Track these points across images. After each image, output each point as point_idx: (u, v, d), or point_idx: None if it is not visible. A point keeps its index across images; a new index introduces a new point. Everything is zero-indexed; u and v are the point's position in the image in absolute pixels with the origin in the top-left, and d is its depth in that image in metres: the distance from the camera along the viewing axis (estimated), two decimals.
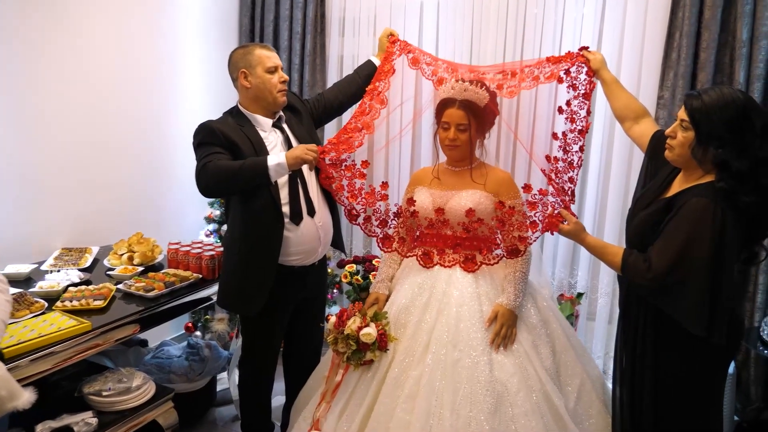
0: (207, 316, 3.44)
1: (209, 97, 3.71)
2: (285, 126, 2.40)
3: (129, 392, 2.36)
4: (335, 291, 3.74)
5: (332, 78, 3.76)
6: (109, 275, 2.65)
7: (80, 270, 2.64)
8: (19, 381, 1.59)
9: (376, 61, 2.56)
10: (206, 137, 2.24)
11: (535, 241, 2.12)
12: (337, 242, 2.55)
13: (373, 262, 3.58)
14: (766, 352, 2.62)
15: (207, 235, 3.60)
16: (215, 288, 2.61)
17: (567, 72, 2.18)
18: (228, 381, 3.10)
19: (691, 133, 1.74)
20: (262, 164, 2.11)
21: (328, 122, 2.72)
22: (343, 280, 3.58)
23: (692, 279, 1.67)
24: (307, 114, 2.51)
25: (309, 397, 2.37)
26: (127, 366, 2.59)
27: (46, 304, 2.24)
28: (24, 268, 2.56)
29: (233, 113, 2.37)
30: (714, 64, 2.87)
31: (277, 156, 2.12)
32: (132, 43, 3.22)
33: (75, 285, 2.47)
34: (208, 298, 2.69)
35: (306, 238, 2.33)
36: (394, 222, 2.26)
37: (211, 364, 2.95)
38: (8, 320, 1.69)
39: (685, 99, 1.77)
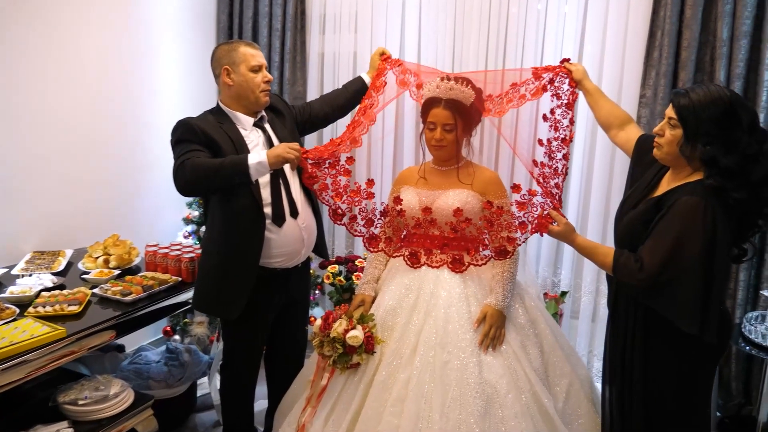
0: (186, 320, 3.36)
1: (187, 95, 3.65)
2: (267, 126, 2.35)
3: (106, 400, 2.28)
4: (317, 292, 3.69)
5: (313, 76, 3.72)
6: (84, 279, 2.58)
7: (53, 274, 2.56)
8: None
9: (366, 78, 2.53)
10: (185, 134, 2.18)
11: (524, 242, 2.10)
12: (320, 248, 2.50)
13: (356, 262, 3.55)
14: (747, 348, 2.64)
15: (185, 237, 3.53)
16: None
17: (551, 81, 2.20)
18: (209, 386, 3.03)
19: (679, 130, 1.74)
20: (243, 162, 2.05)
21: (311, 133, 2.68)
22: (326, 281, 3.53)
23: (684, 278, 1.67)
24: (291, 118, 2.47)
25: (293, 401, 2.32)
26: (104, 372, 2.52)
27: (18, 311, 2.17)
28: None
29: (213, 111, 2.32)
30: (695, 63, 2.89)
31: (258, 154, 2.07)
32: (106, 39, 3.14)
33: (48, 290, 2.40)
34: (189, 302, 2.63)
35: (288, 240, 2.29)
36: (380, 221, 2.22)
37: (192, 369, 2.88)
38: None
39: (673, 97, 1.77)
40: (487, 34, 3.30)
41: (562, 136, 2.16)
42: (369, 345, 2.06)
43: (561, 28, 3.18)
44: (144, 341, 3.45)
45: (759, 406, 2.74)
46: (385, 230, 2.26)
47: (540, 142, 2.21)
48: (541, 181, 2.13)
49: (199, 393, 3.13)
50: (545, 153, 2.17)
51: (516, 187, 2.10)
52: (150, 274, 2.62)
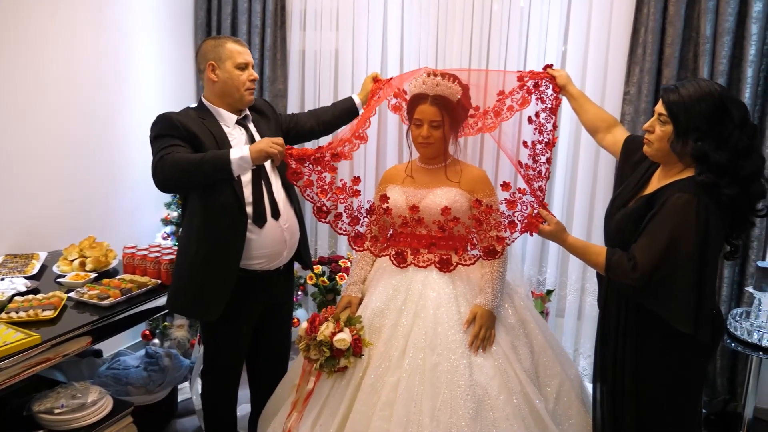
0: (166, 323, 3.28)
1: (164, 92, 3.59)
2: (251, 125, 2.31)
3: (84, 409, 2.21)
4: (300, 293, 3.63)
5: (293, 73, 3.66)
6: (59, 283, 2.50)
7: (27, 278, 2.48)
8: None
9: (357, 99, 2.51)
10: (165, 129, 2.12)
11: (513, 242, 2.07)
12: (303, 255, 2.45)
13: (339, 262, 3.50)
14: (733, 345, 2.64)
15: (164, 238, 3.45)
16: None
17: (536, 86, 2.19)
18: (190, 390, 2.96)
19: (669, 126, 1.72)
20: (225, 157, 2.00)
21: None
22: (309, 281, 3.48)
23: (678, 276, 1.65)
24: (276, 123, 2.43)
25: (278, 406, 2.28)
26: (81, 379, 2.45)
27: None
28: None
29: (195, 107, 2.28)
30: (678, 59, 2.90)
31: (240, 149, 2.01)
32: (79, 36, 3.05)
33: (21, 294, 2.32)
34: None
35: (269, 241, 2.23)
36: (366, 219, 2.17)
37: (172, 374, 2.81)
38: None
39: (662, 93, 1.76)
40: (471, 31, 3.27)
41: (545, 140, 2.16)
42: (357, 348, 2.01)
43: (544, 25, 3.17)
44: (122, 346, 3.38)
45: (744, 403, 2.75)
46: (371, 229, 2.21)
47: (525, 144, 2.20)
48: (526, 182, 2.12)
49: (180, 398, 3.06)
50: (529, 155, 2.16)
51: (505, 185, 2.07)
52: (128, 276, 2.56)
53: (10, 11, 2.69)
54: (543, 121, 2.17)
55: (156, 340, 3.31)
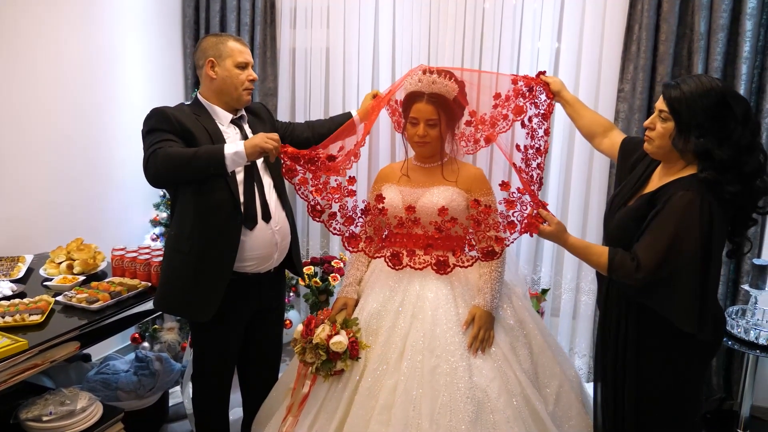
0: (156, 326, 3.23)
1: (152, 90, 3.54)
2: (245, 126, 2.28)
3: (73, 416, 2.16)
4: (292, 294, 3.59)
5: (284, 72, 3.63)
6: (46, 286, 2.45)
7: (12, 281, 2.44)
8: None
9: (355, 115, 2.46)
10: (159, 123, 2.08)
11: (512, 242, 2.03)
12: (294, 260, 2.39)
13: (332, 263, 3.46)
14: (729, 343, 2.64)
15: (153, 240, 3.39)
16: None
17: (530, 90, 2.17)
18: (182, 394, 2.91)
19: (670, 123, 1.70)
20: (219, 152, 1.95)
21: None
22: (301, 283, 3.44)
23: (682, 275, 1.63)
24: (272, 127, 2.39)
25: (272, 410, 2.24)
26: (69, 384, 2.41)
27: None
28: None
29: (190, 103, 2.25)
30: (673, 56, 2.89)
31: (235, 144, 1.98)
32: (66, 32, 3.00)
33: (7, 298, 2.27)
34: None
35: (259, 243, 2.19)
36: (361, 219, 2.13)
37: (163, 378, 2.76)
38: None
39: (663, 89, 1.74)
40: (463, 27, 3.25)
41: (536, 145, 2.13)
42: (353, 351, 1.98)
43: (538, 22, 3.15)
44: (111, 350, 3.32)
45: (741, 401, 2.75)
46: (365, 229, 2.17)
47: (518, 147, 2.17)
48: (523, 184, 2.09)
49: (171, 402, 3.01)
50: (522, 159, 2.14)
51: (504, 185, 2.03)
52: (117, 279, 2.51)
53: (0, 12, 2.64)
54: (535, 126, 2.15)
55: (146, 344, 3.26)
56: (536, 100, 2.16)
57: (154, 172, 2.02)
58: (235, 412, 2.66)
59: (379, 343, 2.01)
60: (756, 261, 2.73)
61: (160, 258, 2.54)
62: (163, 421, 2.91)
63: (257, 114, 2.37)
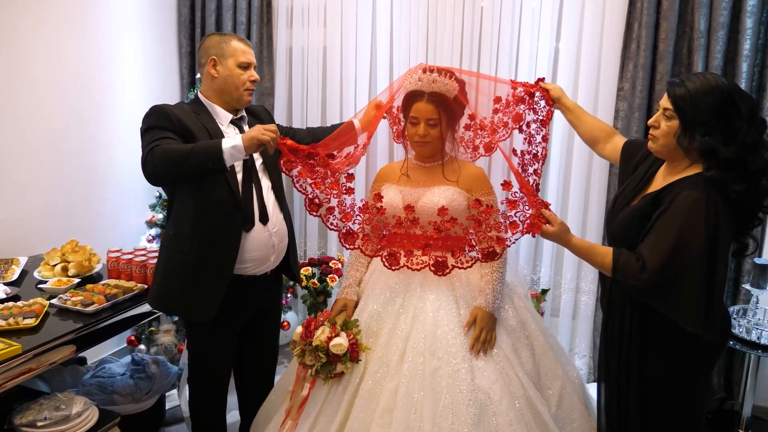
0: (152, 328, 3.19)
1: (147, 90, 3.51)
2: (245, 127, 2.26)
3: (68, 421, 2.13)
4: (289, 295, 3.56)
5: (281, 71, 3.60)
6: (40, 289, 2.43)
7: (6, 284, 2.41)
8: None
9: (357, 124, 2.43)
10: (158, 120, 2.06)
11: (513, 243, 2.00)
12: (291, 264, 2.36)
13: (330, 264, 3.43)
14: (731, 343, 2.62)
15: (149, 241, 3.36)
16: None
17: (531, 96, 2.15)
18: (179, 398, 2.88)
19: (675, 121, 1.68)
20: (216, 147, 1.93)
21: None
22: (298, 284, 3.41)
23: (688, 275, 1.61)
24: None
25: (271, 413, 2.22)
26: (64, 388, 2.38)
27: None
28: None
29: (190, 102, 2.23)
30: (672, 55, 2.88)
31: (232, 138, 1.95)
32: (62, 33, 2.97)
33: (1, 301, 2.24)
34: (156, 311, 2.48)
35: (256, 245, 2.17)
36: (359, 217, 2.10)
37: (160, 381, 2.73)
38: None
39: (668, 87, 1.72)
40: (462, 26, 3.23)
41: (534, 151, 2.11)
42: (354, 353, 1.95)
43: (537, 20, 3.13)
44: (106, 353, 3.29)
45: (742, 401, 2.73)
46: (363, 227, 2.14)
47: (515, 151, 2.15)
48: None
49: (168, 405, 2.98)
50: (519, 163, 2.12)
51: (506, 184, 2.01)
52: (113, 281, 2.48)
53: None
54: (533, 132, 2.12)
55: (142, 346, 3.22)
56: (535, 106, 2.15)
57: (152, 170, 1.99)
58: (233, 415, 2.62)
59: (379, 345, 1.98)
60: (757, 260, 2.71)
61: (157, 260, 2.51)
62: (160, 425, 2.88)
63: (257, 116, 2.35)
